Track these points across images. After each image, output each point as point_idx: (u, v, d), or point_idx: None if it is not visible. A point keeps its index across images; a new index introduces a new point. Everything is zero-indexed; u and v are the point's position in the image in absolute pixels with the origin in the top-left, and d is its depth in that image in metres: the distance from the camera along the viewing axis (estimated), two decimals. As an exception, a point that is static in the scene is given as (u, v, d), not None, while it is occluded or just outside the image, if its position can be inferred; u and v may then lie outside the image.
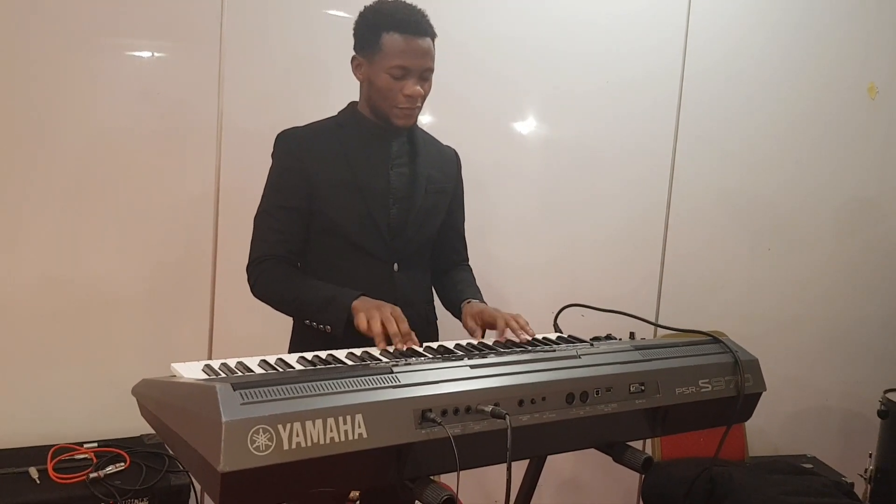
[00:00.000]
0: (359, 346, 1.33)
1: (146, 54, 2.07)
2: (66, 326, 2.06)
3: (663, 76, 2.55)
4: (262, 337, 1.76)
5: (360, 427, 0.95)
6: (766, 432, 2.75)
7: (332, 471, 0.95)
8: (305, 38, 2.18)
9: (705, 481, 2.14)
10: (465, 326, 1.56)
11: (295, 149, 1.58)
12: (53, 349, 2.06)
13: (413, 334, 1.38)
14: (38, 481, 1.80)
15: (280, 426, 0.90)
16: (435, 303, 1.77)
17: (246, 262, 1.60)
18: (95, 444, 1.99)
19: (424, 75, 1.53)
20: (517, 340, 1.40)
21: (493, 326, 1.50)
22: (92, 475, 1.81)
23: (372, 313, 1.37)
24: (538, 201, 2.50)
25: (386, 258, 1.61)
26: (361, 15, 1.56)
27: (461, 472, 1.02)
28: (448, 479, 1.77)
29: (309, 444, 0.91)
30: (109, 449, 1.96)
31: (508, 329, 1.44)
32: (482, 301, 1.65)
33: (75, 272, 2.06)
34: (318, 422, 0.92)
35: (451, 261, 1.80)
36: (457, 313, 1.65)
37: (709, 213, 2.66)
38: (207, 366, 1.16)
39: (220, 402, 0.88)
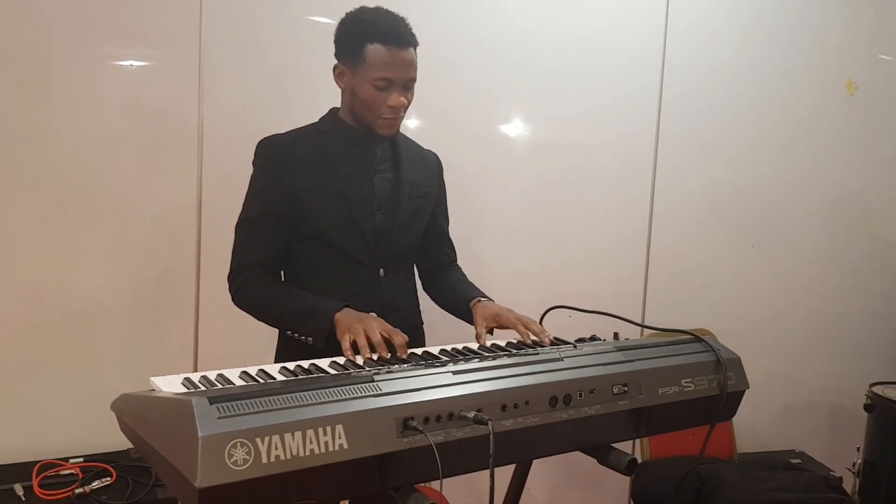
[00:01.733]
0: (342, 356, 1.32)
1: (126, 63, 2.06)
2: (50, 339, 2.04)
3: (643, 76, 2.56)
4: (248, 347, 1.73)
5: (340, 438, 0.95)
6: (754, 429, 2.76)
7: (313, 483, 0.94)
8: (287, 44, 2.17)
9: (694, 479, 2.15)
10: (476, 328, 1.54)
11: (277, 156, 1.57)
12: (37, 362, 2.04)
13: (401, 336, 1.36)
14: (24, 498, 1.78)
15: (258, 439, 0.89)
16: (421, 307, 1.77)
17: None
18: (81, 459, 1.97)
19: (408, 85, 1.53)
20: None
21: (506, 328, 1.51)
22: (78, 491, 1.80)
23: (355, 328, 1.34)
24: (523, 204, 2.50)
25: (371, 264, 1.61)
26: (343, 23, 1.54)
27: (448, 477, 1.02)
28: (436, 486, 1.76)
29: (288, 456, 0.90)
30: (95, 464, 1.94)
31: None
32: (489, 298, 1.64)
33: (57, 284, 2.04)
34: (298, 434, 0.91)
35: (440, 263, 1.80)
36: (464, 313, 1.64)
37: (692, 211, 2.67)
38: (187, 379, 1.15)
39: (196, 416, 0.87)
